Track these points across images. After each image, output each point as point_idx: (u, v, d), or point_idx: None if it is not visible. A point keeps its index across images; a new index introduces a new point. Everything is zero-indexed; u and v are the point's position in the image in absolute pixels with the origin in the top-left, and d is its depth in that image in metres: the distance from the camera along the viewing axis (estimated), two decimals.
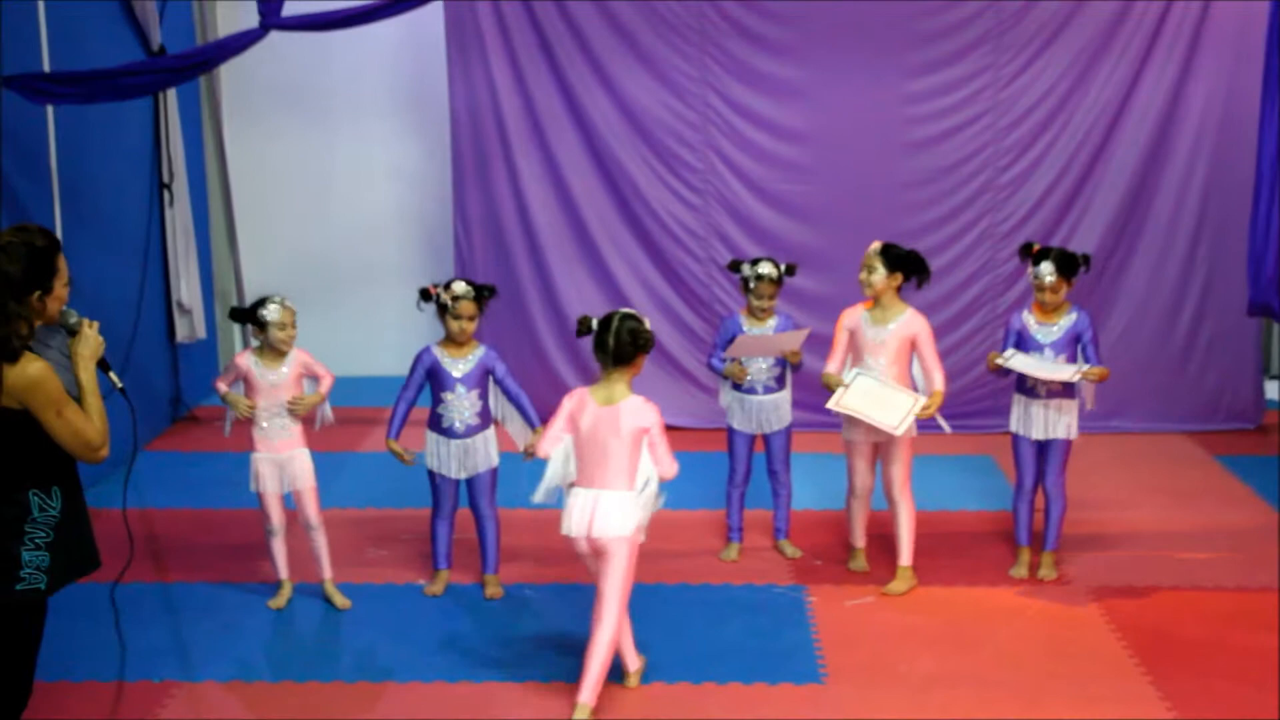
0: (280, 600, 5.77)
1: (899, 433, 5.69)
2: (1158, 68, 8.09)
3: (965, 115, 8.25)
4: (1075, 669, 5.19)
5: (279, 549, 5.78)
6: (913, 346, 5.81)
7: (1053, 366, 5.81)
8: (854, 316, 5.89)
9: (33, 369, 3.63)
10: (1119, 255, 8.36)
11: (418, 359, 5.74)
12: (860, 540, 6.19)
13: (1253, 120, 6.35)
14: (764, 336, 6.03)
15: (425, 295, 5.68)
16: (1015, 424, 5.97)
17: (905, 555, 5.97)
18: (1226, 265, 8.13)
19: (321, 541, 5.78)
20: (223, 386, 5.71)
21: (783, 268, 6.09)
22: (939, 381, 5.78)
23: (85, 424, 3.71)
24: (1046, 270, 5.74)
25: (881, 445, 5.91)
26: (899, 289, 5.81)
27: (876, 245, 5.81)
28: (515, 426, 5.76)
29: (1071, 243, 8.21)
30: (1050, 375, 5.77)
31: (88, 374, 3.82)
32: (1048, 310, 5.85)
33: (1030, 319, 5.88)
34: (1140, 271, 8.37)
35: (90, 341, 3.89)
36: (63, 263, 3.86)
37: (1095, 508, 6.90)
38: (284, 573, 5.80)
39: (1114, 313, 8.40)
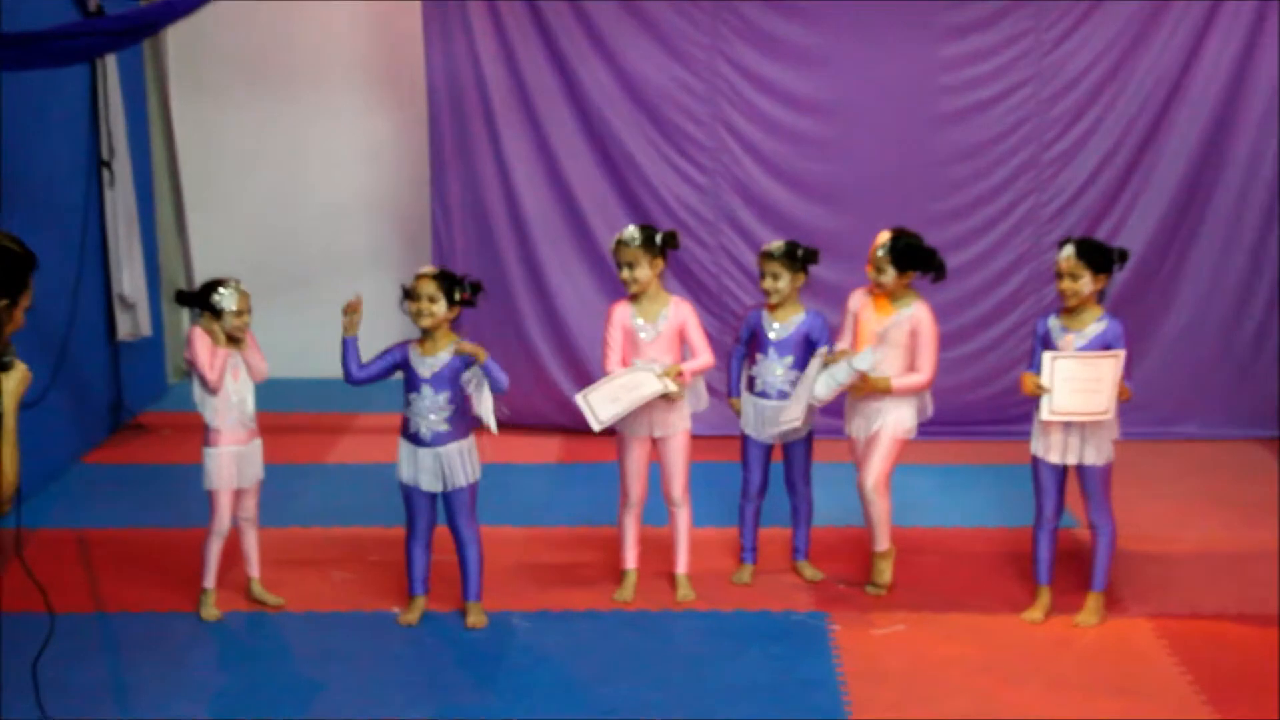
0: (213, 611, 5.88)
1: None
2: (1223, 29, 8.06)
3: (1004, 84, 8.24)
4: (1132, 707, 5.13)
5: (217, 552, 5.90)
6: (913, 339, 5.90)
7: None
8: (859, 299, 6.06)
9: None
10: (1179, 243, 8.33)
11: (391, 347, 5.72)
12: None
13: None
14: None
15: (406, 293, 5.66)
16: (1035, 444, 5.77)
17: (881, 542, 6.12)
18: None
19: (255, 536, 6.03)
20: (211, 374, 5.68)
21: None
22: (919, 375, 5.87)
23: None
24: (1065, 252, 5.63)
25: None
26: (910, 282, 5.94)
27: (885, 239, 5.87)
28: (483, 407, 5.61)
29: (1125, 228, 8.23)
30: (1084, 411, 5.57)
31: (13, 415, 3.75)
32: (1073, 312, 5.66)
33: (1056, 323, 5.72)
34: (1203, 261, 8.35)
35: (25, 380, 3.81)
36: (31, 285, 3.81)
37: (1154, 524, 6.89)
38: (213, 580, 5.93)
39: (1174, 307, 8.39)
